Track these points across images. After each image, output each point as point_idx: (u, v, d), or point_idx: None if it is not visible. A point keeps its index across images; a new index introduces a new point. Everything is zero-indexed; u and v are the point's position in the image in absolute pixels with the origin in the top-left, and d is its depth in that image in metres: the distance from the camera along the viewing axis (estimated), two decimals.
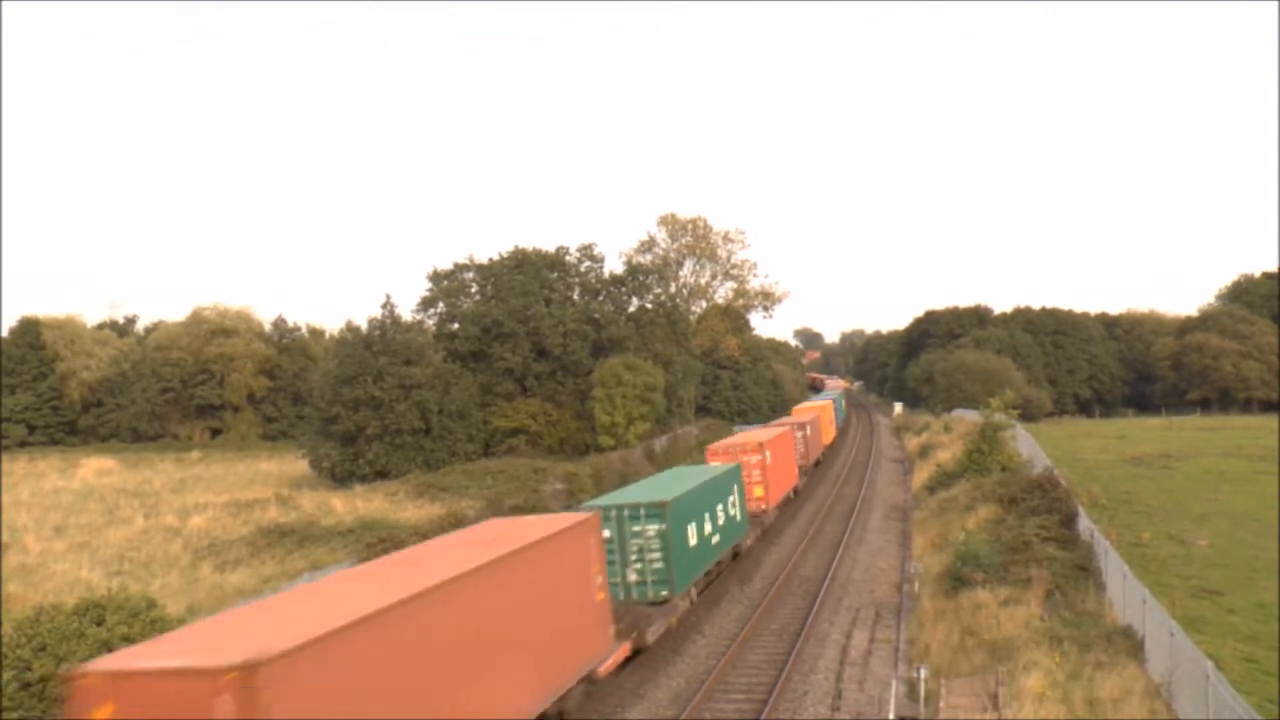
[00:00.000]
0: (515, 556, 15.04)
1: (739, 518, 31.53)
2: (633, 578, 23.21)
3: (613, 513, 23.26)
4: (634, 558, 23.26)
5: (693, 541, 25.37)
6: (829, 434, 66.04)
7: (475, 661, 13.44)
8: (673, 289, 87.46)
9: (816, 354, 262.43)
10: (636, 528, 23.25)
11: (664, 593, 23.19)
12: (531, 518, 20.11)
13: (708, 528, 27.11)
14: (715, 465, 33.29)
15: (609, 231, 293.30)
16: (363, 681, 10.94)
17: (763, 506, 36.49)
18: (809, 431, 51.82)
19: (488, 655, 13.76)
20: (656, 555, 23.29)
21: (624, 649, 19.30)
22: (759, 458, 36.95)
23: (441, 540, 17.51)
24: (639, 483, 30.75)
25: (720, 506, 29.01)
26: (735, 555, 31.60)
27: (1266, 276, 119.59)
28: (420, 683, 12.03)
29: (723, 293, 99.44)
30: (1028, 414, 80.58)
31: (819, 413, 61.50)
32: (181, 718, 9.57)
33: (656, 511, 23.35)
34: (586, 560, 18.21)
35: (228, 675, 9.44)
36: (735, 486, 31.59)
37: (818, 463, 56.35)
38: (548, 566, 16.30)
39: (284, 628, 10.67)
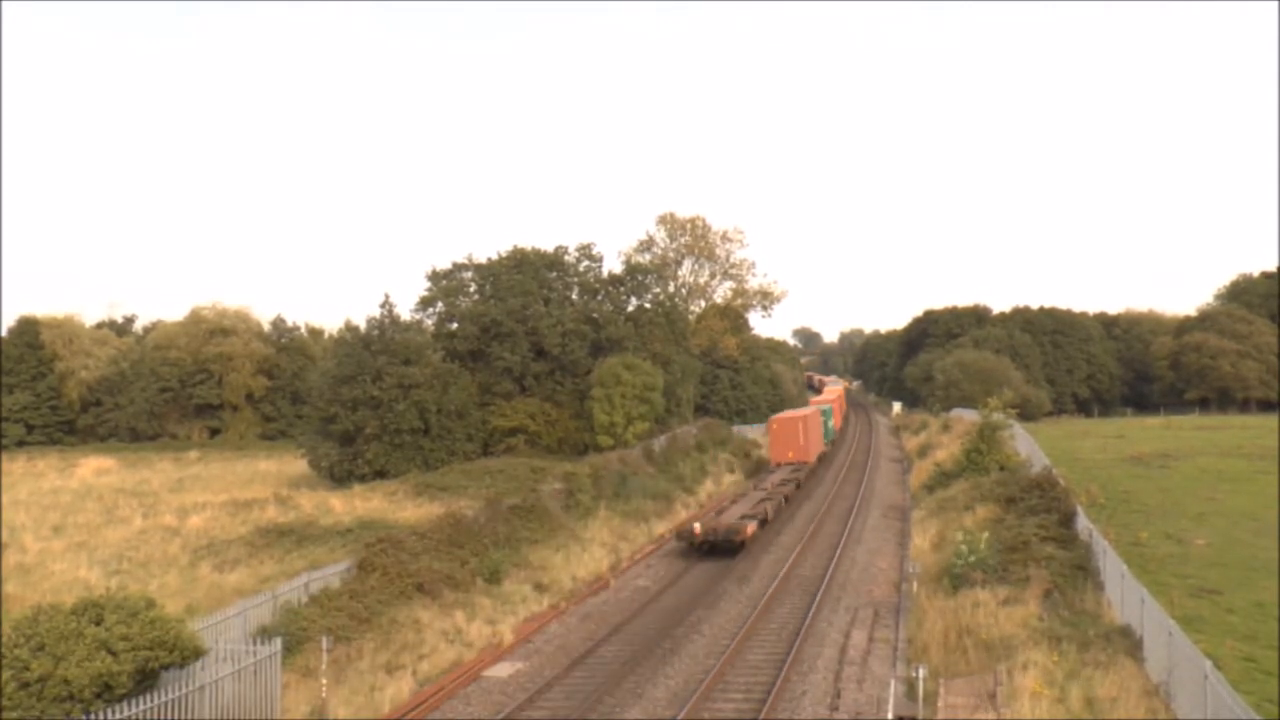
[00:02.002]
0: (813, 412, 61.19)
1: (831, 427, 72.44)
2: None
3: None
4: None
5: (828, 427, 68.46)
6: (844, 406, 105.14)
7: (811, 432, 56.35)
8: (671, 288, 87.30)
9: (814, 355, 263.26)
10: None
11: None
12: (806, 408, 67.09)
13: (829, 425, 69.13)
14: (824, 404, 74.28)
15: (608, 231, 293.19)
16: (810, 425, 56.98)
17: (836, 426, 77.94)
18: (841, 400, 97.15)
19: (811, 434, 56.56)
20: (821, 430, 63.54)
21: (824, 448, 64.71)
22: (832, 405, 77.93)
23: (790, 410, 71.58)
24: (810, 404, 77.30)
25: (831, 419, 71.50)
26: (831, 444, 71.70)
27: (1265, 276, 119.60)
28: (812, 431, 57.34)
29: (721, 292, 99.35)
30: (1026, 413, 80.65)
31: (841, 392, 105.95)
32: (793, 429, 54.98)
33: (822, 413, 65.48)
34: (821, 419, 63.27)
35: (801, 418, 56.58)
36: (832, 414, 73.63)
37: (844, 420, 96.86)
38: (817, 417, 61.00)
39: (802, 412, 62.11)
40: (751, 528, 35.42)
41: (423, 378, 54.80)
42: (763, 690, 19.78)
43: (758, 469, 59.53)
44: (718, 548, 34.99)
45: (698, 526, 35.10)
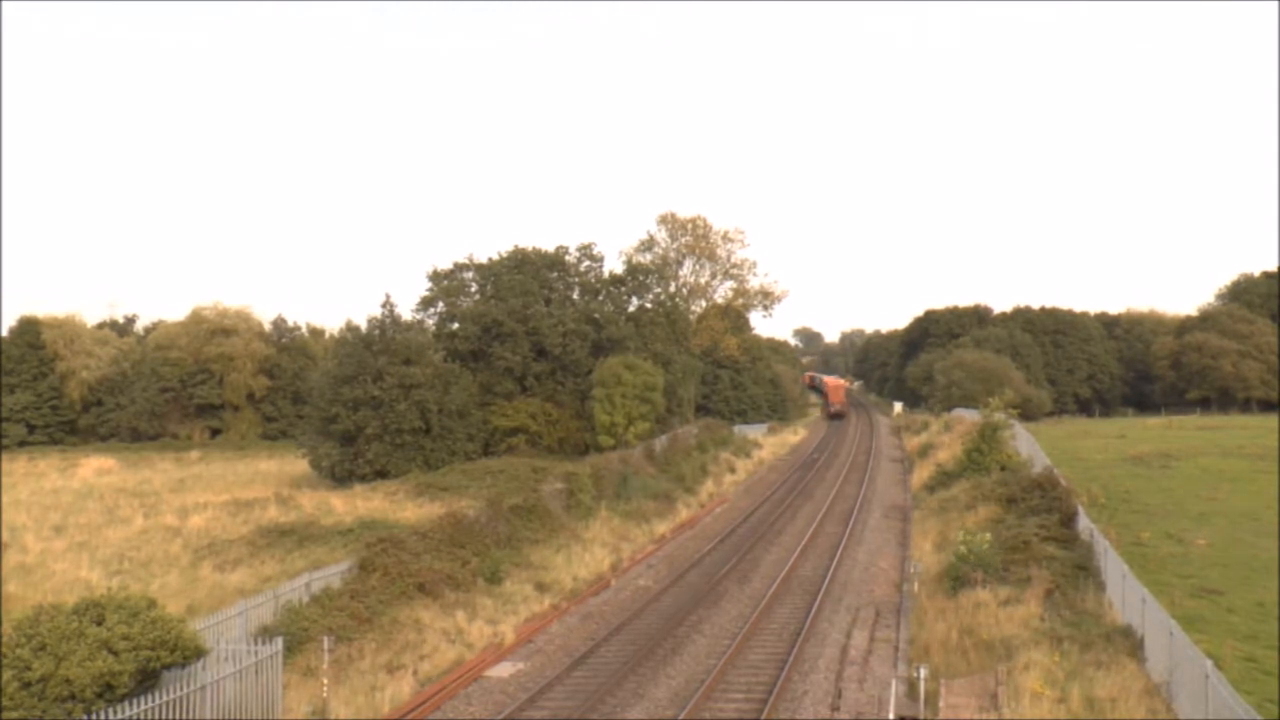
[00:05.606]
0: (843, 384, 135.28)
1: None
2: None
3: None
4: None
5: (850, 391, 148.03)
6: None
7: (843, 391, 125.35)
8: (672, 288, 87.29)
9: (815, 356, 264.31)
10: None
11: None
12: (839, 381, 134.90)
13: (850, 390, 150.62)
14: (843, 383, 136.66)
15: (609, 231, 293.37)
16: (842, 388, 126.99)
17: (843, 398, 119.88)
18: (844, 384, 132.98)
19: (843, 391, 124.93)
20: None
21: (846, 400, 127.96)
22: (844, 385, 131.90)
23: (834, 382, 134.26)
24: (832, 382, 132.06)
25: (850, 389, 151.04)
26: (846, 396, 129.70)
27: (1266, 276, 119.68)
28: (843, 390, 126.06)
29: (722, 292, 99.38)
30: (1027, 413, 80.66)
31: (845, 381, 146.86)
32: (838, 388, 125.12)
33: (847, 387, 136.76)
34: (846, 387, 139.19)
35: (843, 385, 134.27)
36: (847, 385, 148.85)
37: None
38: (845, 386, 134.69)
39: (840, 383, 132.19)
40: (848, 411, 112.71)
41: (424, 378, 54.78)
42: (764, 690, 19.78)
43: (756, 467, 65.67)
44: (836, 418, 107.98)
45: (833, 408, 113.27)
